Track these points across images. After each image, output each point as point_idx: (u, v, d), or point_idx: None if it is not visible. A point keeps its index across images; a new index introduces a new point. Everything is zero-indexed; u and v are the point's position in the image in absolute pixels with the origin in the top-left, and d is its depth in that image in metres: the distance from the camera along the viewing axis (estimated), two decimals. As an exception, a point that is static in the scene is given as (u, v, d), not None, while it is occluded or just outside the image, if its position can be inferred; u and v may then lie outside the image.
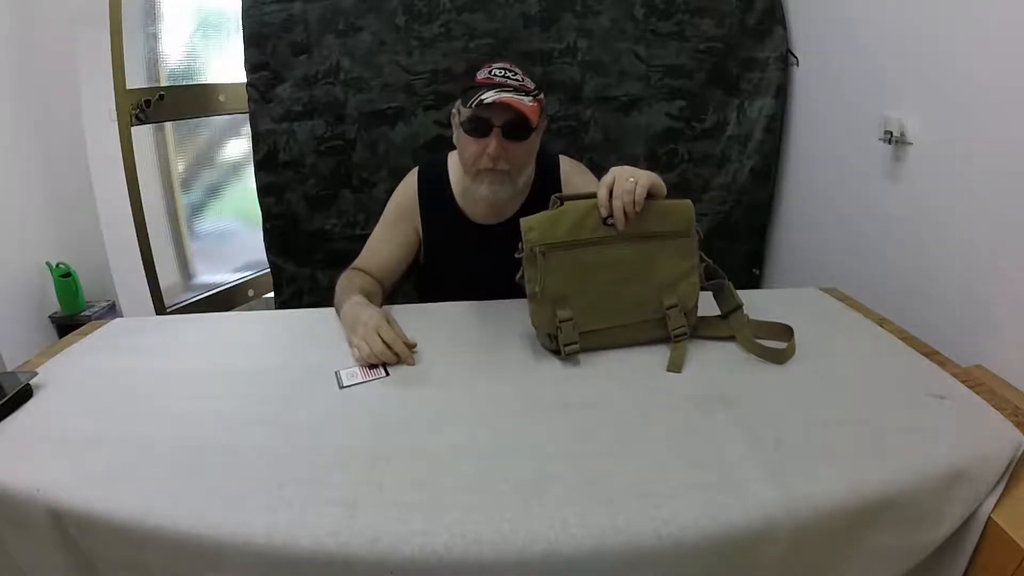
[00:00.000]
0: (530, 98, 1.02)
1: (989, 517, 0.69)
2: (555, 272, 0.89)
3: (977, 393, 0.81)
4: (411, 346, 0.93)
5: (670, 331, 0.93)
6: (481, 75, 1.06)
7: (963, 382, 0.84)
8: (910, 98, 1.20)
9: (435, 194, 1.19)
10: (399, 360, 0.91)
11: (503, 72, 1.05)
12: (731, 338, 0.96)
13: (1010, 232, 0.99)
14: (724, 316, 0.98)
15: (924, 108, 1.17)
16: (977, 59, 1.04)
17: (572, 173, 1.21)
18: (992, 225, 1.02)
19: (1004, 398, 0.82)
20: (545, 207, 0.93)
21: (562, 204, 0.92)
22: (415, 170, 1.23)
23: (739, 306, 0.96)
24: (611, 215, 0.89)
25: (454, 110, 1.11)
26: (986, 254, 1.04)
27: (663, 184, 0.91)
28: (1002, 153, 0.99)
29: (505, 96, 0.99)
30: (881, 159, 1.28)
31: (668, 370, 0.89)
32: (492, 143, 1.02)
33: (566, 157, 1.24)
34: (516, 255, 0.91)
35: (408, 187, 1.21)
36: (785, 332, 0.93)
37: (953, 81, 1.09)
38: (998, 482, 0.70)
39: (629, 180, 0.88)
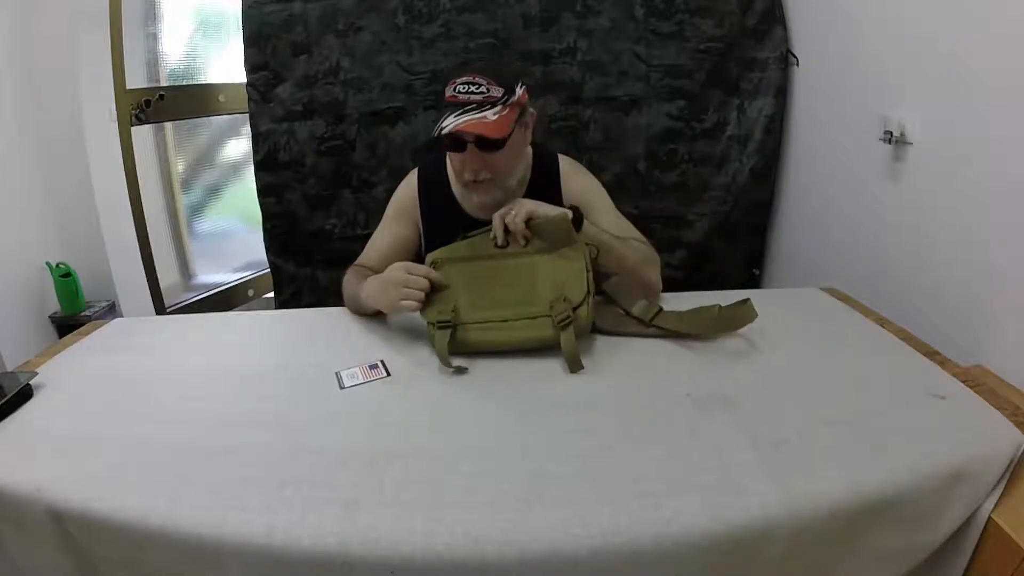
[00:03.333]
0: (495, 110, 0.99)
1: (989, 517, 0.69)
2: (448, 278, 0.99)
3: (977, 393, 0.81)
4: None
5: (554, 319, 0.92)
6: (448, 92, 1.02)
7: (963, 382, 0.84)
8: (910, 98, 1.20)
9: (435, 192, 1.19)
10: (434, 285, 0.97)
11: (466, 87, 1.00)
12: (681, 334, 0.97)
13: (1010, 232, 0.99)
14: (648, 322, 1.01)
15: (924, 108, 1.17)
16: (977, 59, 1.04)
17: (570, 173, 1.21)
18: (992, 225, 1.02)
19: (1004, 398, 0.82)
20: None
21: (465, 238, 1.03)
22: (415, 169, 1.23)
23: (660, 309, 1.00)
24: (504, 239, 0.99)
25: None
26: (986, 254, 1.04)
27: (545, 210, 0.99)
28: (1002, 153, 0.99)
29: (461, 123, 0.97)
30: (881, 159, 1.28)
31: (571, 372, 0.88)
32: (467, 159, 1.03)
33: (565, 157, 1.24)
34: None
35: (408, 186, 1.22)
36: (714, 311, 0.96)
37: (953, 81, 1.09)
38: (998, 482, 0.70)
39: (511, 212, 0.99)
